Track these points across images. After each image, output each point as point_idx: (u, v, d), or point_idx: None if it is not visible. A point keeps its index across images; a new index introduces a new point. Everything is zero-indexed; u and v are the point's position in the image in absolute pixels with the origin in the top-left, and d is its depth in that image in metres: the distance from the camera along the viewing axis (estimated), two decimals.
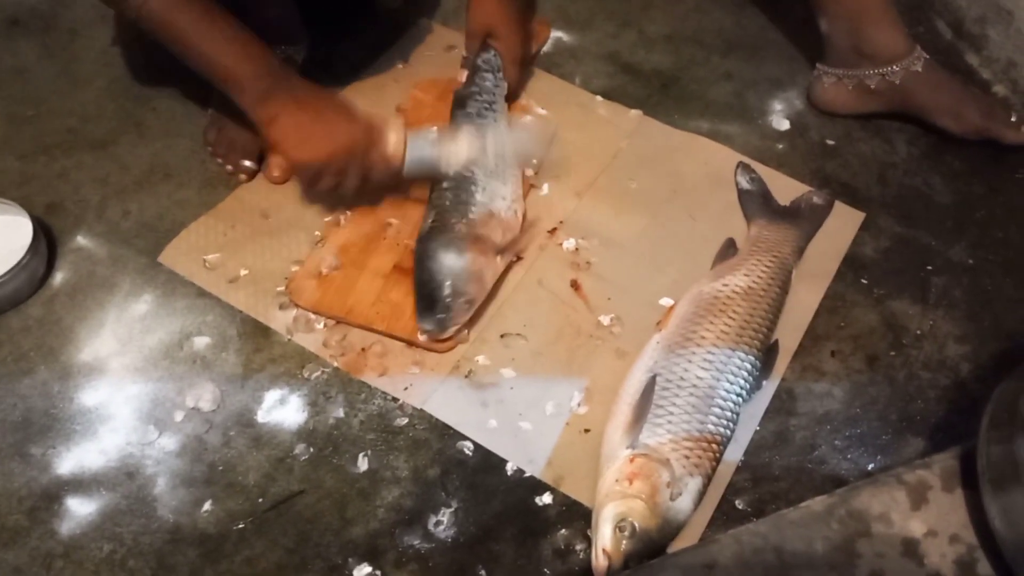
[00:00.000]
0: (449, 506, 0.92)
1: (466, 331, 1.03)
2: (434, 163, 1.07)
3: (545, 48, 1.38)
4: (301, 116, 1.00)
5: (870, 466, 0.96)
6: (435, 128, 1.08)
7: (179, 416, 0.97)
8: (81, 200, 1.14)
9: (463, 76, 1.21)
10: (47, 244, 1.08)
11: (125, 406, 0.98)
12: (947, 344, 1.07)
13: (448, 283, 1.00)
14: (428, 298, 1.00)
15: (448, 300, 1.00)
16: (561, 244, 1.13)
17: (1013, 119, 1.22)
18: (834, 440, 0.99)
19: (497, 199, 1.07)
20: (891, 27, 1.21)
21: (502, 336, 1.04)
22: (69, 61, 1.30)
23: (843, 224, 1.17)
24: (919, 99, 1.23)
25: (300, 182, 1.07)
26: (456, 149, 1.07)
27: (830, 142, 1.27)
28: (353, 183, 1.04)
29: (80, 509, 0.91)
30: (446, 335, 1.01)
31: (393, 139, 1.04)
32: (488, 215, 1.06)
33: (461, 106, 1.17)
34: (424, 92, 1.28)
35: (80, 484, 0.92)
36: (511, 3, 1.21)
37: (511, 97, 1.24)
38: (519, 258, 1.10)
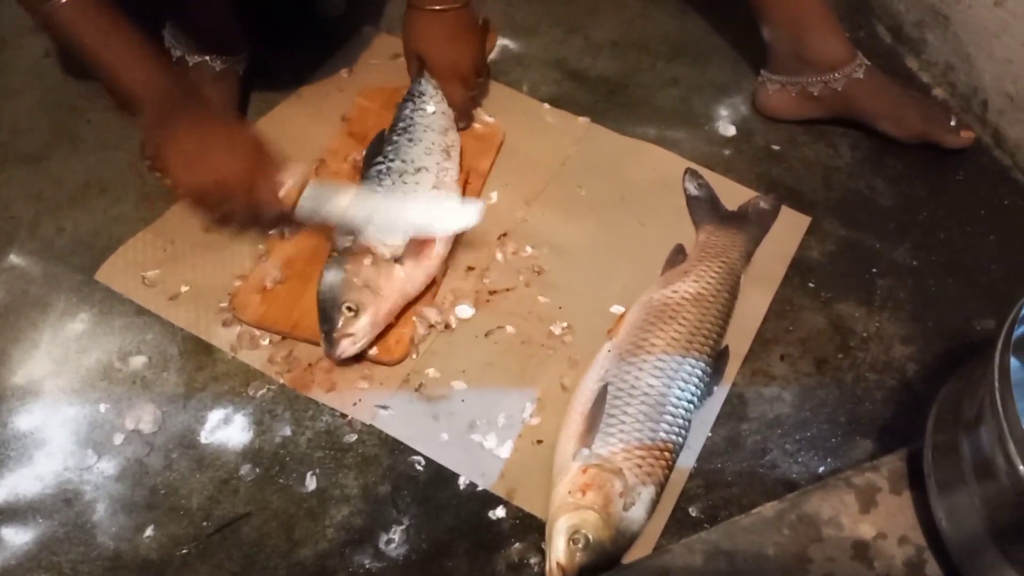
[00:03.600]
0: (400, 523, 0.91)
1: (415, 343, 1.02)
2: (327, 215, 1.01)
3: (492, 55, 1.36)
4: (190, 140, 0.95)
5: (820, 469, 0.97)
6: (338, 184, 1.04)
7: (118, 439, 0.94)
8: (13, 217, 1.10)
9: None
10: None
11: (61, 430, 0.94)
12: (893, 345, 1.08)
13: (324, 297, 0.98)
14: (319, 318, 0.98)
15: (329, 311, 0.97)
16: (511, 252, 1.12)
17: (953, 123, 1.24)
18: (785, 444, 0.99)
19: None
20: (832, 35, 1.23)
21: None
22: None
23: (790, 228, 1.18)
24: (861, 105, 1.24)
25: (189, 208, 0.99)
26: (348, 209, 1.01)
27: (775, 147, 1.28)
28: (238, 212, 0.97)
29: (15, 538, 0.87)
30: (345, 349, 0.96)
31: (288, 183, 0.98)
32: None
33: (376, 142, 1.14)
34: (369, 100, 1.26)
35: (15, 512, 0.89)
36: (440, 22, 1.17)
37: (465, 115, 1.22)
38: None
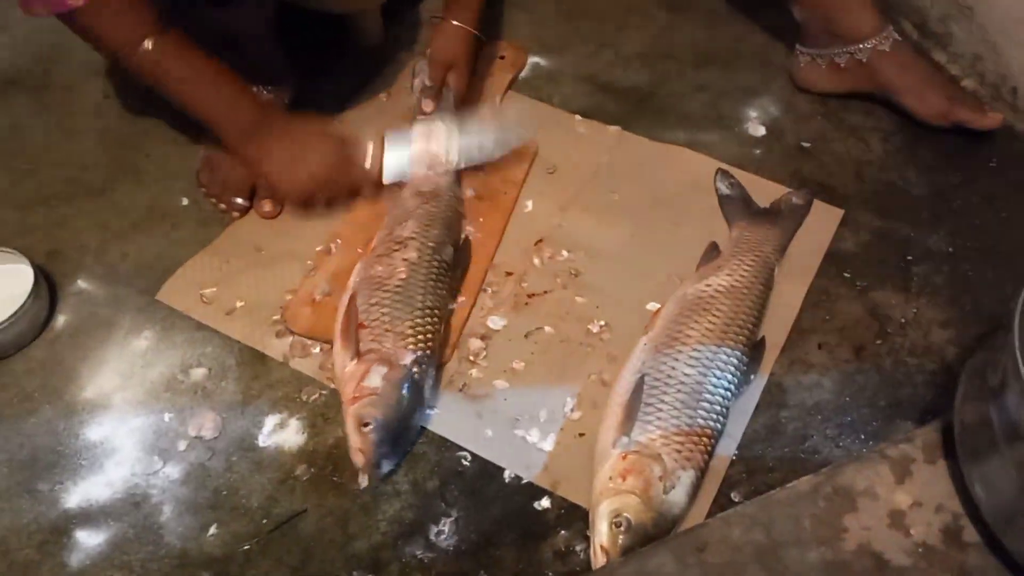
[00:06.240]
0: (449, 515, 0.94)
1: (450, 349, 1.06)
2: (409, 169, 1.15)
3: (523, 73, 1.42)
4: (282, 152, 1.08)
5: (862, 452, 0.97)
6: (409, 133, 1.16)
7: (182, 445, 0.99)
8: (81, 246, 1.17)
9: (427, 105, 1.25)
10: (48, 289, 1.10)
11: (129, 439, 1.00)
12: (931, 330, 1.09)
13: None
14: None
15: None
16: (548, 256, 1.15)
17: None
18: (825, 429, 1.00)
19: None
20: (858, 9, 1.26)
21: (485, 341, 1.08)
22: (64, 115, 1.34)
23: (823, 221, 1.20)
24: (886, 77, 1.27)
25: (294, 210, 1.14)
26: (429, 149, 1.15)
27: (806, 144, 1.30)
28: (339, 200, 1.11)
29: (89, 540, 0.93)
30: None
31: (371, 153, 1.12)
32: None
33: None
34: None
35: (88, 516, 0.94)
36: (469, 39, 1.29)
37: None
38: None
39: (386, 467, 0.95)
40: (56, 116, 1.34)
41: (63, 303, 1.12)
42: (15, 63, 1.42)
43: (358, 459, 0.93)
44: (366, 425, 0.93)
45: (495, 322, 1.09)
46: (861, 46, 1.26)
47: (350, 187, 1.11)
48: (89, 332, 1.09)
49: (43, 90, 1.38)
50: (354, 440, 0.94)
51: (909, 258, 1.16)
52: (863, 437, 0.99)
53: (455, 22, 1.28)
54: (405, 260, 1.07)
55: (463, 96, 1.29)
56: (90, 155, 1.29)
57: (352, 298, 1.03)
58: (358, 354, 0.98)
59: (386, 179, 1.13)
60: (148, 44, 1.00)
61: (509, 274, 1.14)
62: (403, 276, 1.05)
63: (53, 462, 0.98)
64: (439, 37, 1.28)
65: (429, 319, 1.02)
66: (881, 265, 1.15)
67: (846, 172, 1.27)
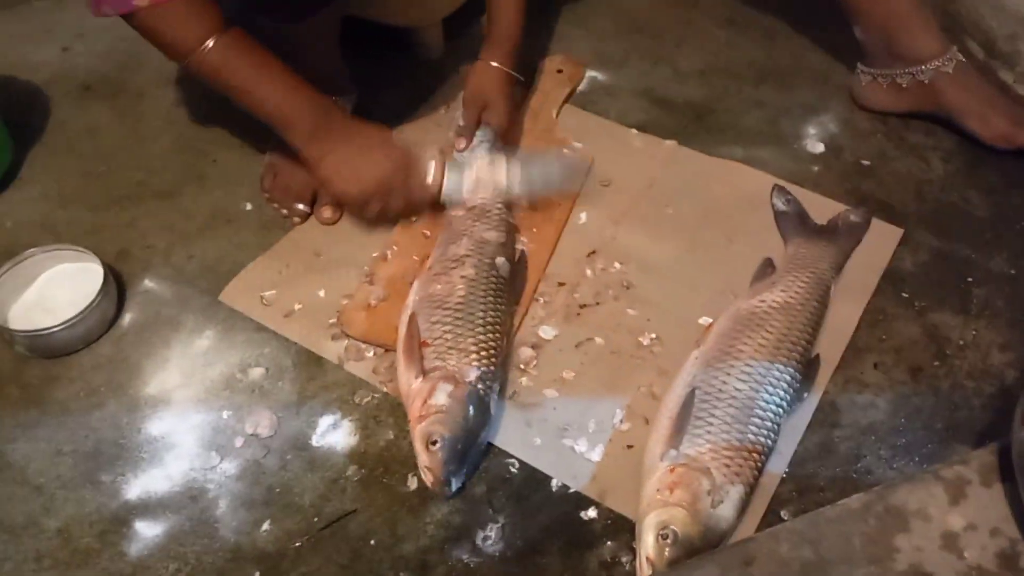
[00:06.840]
0: (496, 521, 0.95)
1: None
2: (466, 192, 1.18)
3: (581, 87, 1.43)
4: (345, 153, 1.10)
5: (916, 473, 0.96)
6: (471, 157, 1.20)
7: (239, 442, 1.02)
8: (148, 246, 1.22)
9: (459, 143, 1.26)
10: (117, 288, 1.15)
11: (189, 434, 1.03)
12: (991, 353, 1.07)
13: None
14: None
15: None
16: (600, 268, 1.16)
17: None
18: (879, 450, 0.99)
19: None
20: (921, 30, 1.25)
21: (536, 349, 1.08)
22: (137, 121, 1.39)
23: (881, 240, 1.18)
24: (947, 99, 1.25)
25: (349, 211, 1.19)
26: (488, 178, 1.18)
27: (865, 162, 1.29)
28: (396, 208, 1.15)
29: (147, 531, 0.95)
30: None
31: (432, 169, 1.15)
32: None
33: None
34: None
35: (147, 508, 0.97)
36: (505, 78, 1.27)
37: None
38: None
39: (455, 484, 0.95)
40: (129, 121, 1.39)
41: (130, 301, 1.16)
42: (92, 69, 1.48)
43: (427, 477, 0.94)
44: (434, 443, 0.93)
45: (546, 331, 1.10)
46: (923, 67, 1.25)
47: (407, 198, 1.14)
48: (154, 330, 1.13)
49: (118, 96, 1.44)
50: (422, 458, 0.94)
51: (969, 279, 1.14)
52: (918, 459, 0.98)
53: (491, 62, 1.27)
54: (463, 277, 1.08)
55: (504, 131, 1.27)
56: (160, 159, 1.33)
57: (412, 317, 1.05)
58: (423, 372, 1.00)
59: (443, 198, 1.17)
60: (211, 43, 1.01)
61: (561, 284, 1.15)
62: (462, 293, 1.06)
63: (116, 455, 1.02)
64: (473, 77, 1.28)
65: (491, 334, 1.03)
66: (940, 286, 1.14)
67: (906, 191, 1.25)
